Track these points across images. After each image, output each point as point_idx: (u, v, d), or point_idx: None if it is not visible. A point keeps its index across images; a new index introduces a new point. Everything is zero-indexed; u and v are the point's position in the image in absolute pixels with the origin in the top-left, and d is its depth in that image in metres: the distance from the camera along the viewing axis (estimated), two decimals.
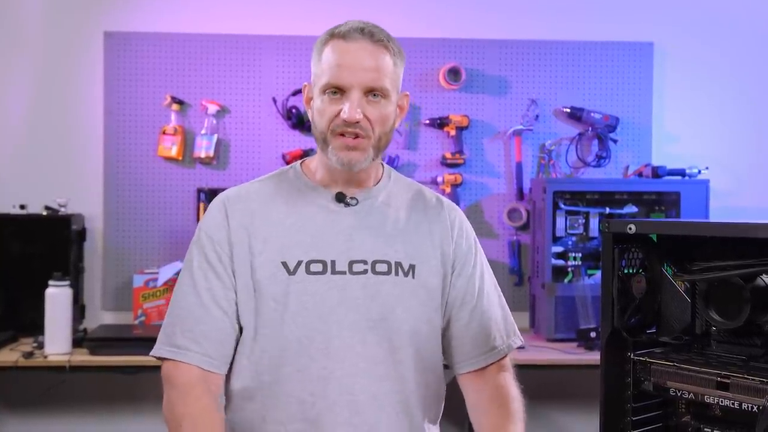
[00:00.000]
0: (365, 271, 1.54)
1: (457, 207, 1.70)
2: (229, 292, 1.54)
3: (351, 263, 1.54)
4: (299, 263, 1.53)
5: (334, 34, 1.53)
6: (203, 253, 1.56)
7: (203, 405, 1.49)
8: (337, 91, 1.50)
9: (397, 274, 1.56)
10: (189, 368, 1.51)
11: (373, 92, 1.51)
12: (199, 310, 1.53)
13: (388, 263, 1.56)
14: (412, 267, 1.57)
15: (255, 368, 1.53)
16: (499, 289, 1.72)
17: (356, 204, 1.59)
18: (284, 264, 1.53)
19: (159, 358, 1.55)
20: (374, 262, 1.55)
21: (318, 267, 1.53)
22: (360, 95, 1.49)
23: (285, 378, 1.51)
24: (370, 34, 1.51)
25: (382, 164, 1.67)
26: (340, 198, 1.58)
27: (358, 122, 1.49)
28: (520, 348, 1.73)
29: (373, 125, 1.51)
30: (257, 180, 1.66)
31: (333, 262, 1.54)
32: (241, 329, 1.55)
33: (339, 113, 1.50)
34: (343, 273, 1.53)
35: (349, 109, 1.48)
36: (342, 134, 1.51)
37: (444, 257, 1.62)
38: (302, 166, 1.65)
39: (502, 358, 1.65)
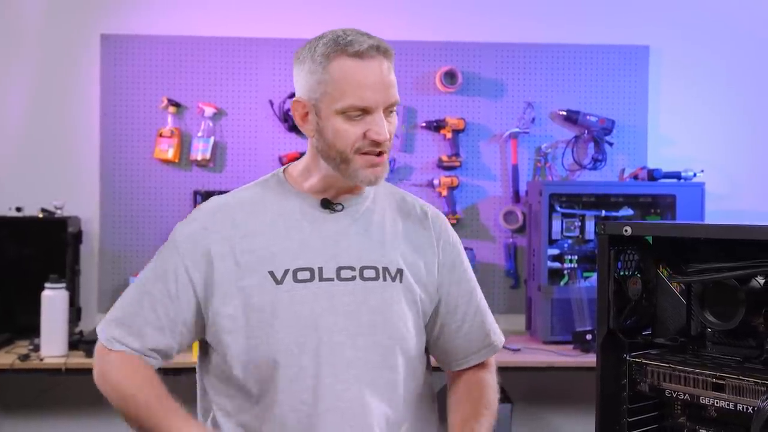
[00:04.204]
0: (353, 278, 1.53)
1: (440, 213, 1.69)
2: (170, 306, 1.53)
3: (339, 269, 1.53)
4: (286, 272, 1.51)
5: (345, 51, 1.46)
6: (165, 261, 1.54)
7: (137, 367, 1.57)
8: (361, 112, 1.47)
9: (385, 279, 1.55)
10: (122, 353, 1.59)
11: (390, 107, 1.49)
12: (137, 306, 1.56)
13: (376, 269, 1.55)
14: (399, 271, 1.56)
15: (248, 379, 1.52)
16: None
17: (342, 210, 1.57)
18: (271, 273, 1.51)
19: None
20: (362, 268, 1.54)
21: (305, 275, 1.51)
22: (381, 113, 1.48)
23: (277, 388, 1.50)
24: (385, 51, 1.48)
25: None
26: (326, 204, 1.56)
27: (388, 140, 1.49)
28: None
29: (390, 138, 1.51)
30: (239, 189, 1.63)
31: (320, 269, 1.52)
32: (203, 342, 1.57)
33: (363, 134, 1.47)
34: (331, 280, 1.52)
35: (380, 129, 1.47)
36: (366, 152, 1.49)
37: (428, 265, 1.61)
38: (285, 173, 1.61)
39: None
